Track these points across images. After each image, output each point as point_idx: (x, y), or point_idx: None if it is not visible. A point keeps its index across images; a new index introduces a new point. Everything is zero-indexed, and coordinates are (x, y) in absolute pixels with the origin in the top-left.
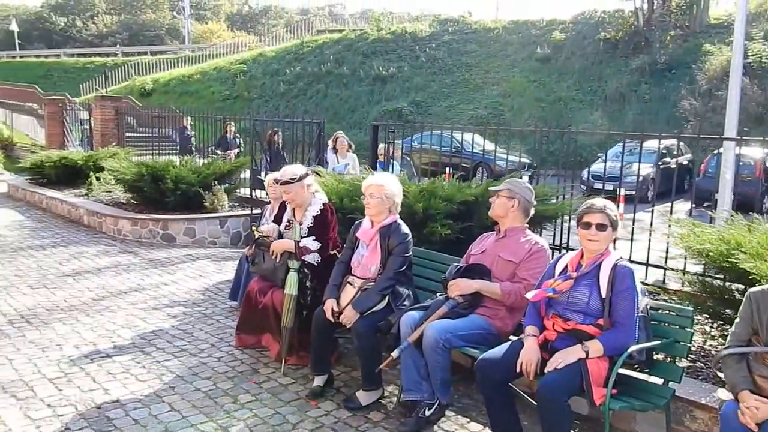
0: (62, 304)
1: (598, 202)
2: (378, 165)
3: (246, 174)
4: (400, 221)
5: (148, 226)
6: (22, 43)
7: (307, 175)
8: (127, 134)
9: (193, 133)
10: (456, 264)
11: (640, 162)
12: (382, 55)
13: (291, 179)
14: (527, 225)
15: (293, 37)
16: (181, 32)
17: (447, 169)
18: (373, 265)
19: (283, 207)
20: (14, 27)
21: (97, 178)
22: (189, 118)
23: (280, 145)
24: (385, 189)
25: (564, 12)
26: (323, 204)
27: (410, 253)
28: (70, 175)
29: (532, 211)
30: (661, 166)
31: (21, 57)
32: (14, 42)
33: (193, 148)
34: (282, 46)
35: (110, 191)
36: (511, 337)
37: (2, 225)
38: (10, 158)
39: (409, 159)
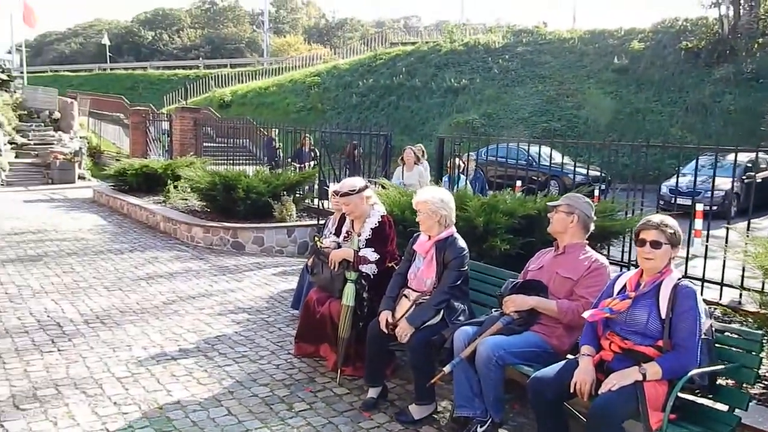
0: (134, 306)
1: (655, 217)
2: (445, 179)
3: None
4: (456, 235)
5: (219, 234)
6: (112, 56)
7: (366, 187)
8: (205, 144)
9: (279, 145)
10: (512, 280)
11: (714, 176)
12: (454, 66)
13: (350, 191)
14: (587, 241)
15: (368, 49)
16: (260, 45)
17: (517, 182)
18: (429, 279)
19: (343, 218)
20: (106, 41)
21: (174, 186)
22: (275, 130)
23: (359, 157)
24: (429, 204)
25: (643, 21)
26: (381, 216)
27: (466, 268)
28: (150, 183)
29: (592, 227)
30: (746, 181)
31: (111, 69)
32: (106, 55)
33: (280, 161)
34: (356, 59)
35: (186, 199)
36: (568, 356)
37: (86, 229)
38: (98, 165)
39: (482, 172)
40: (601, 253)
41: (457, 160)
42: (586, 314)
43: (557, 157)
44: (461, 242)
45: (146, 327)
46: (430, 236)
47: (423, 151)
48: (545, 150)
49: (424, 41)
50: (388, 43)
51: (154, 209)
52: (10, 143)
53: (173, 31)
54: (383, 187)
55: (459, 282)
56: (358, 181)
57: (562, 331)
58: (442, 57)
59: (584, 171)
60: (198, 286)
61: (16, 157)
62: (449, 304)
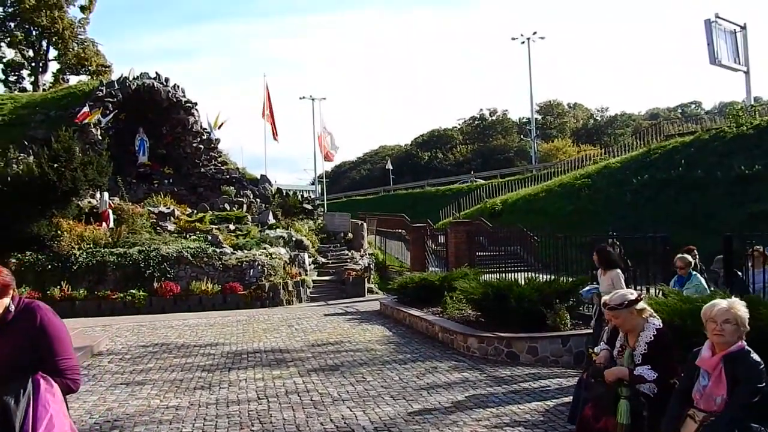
0: (417, 416)
1: None
2: (677, 280)
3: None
4: (748, 348)
5: (493, 344)
6: (395, 177)
7: (638, 300)
8: (478, 253)
9: None
10: None
11: None
12: (743, 152)
13: (618, 305)
14: None
15: (641, 144)
16: (528, 152)
17: None
18: (719, 396)
19: (617, 328)
20: (389, 165)
21: (451, 297)
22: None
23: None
24: (738, 313)
25: None
26: (657, 329)
27: (764, 384)
28: (429, 295)
29: None
30: None
31: (394, 190)
32: (389, 177)
33: None
34: (627, 156)
35: (462, 309)
36: None
37: (374, 340)
38: (384, 279)
39: None
40: None
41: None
42: None
43: None
44: (756, 356)
45: None
46: (714, 351)
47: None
48: None
49: (705, 129)
50: (663, 135)
51: (432, 320)
52: (314, 263)
53: (447, 149)
54: (665, 295)
55: (756, 399)
56: (629, 294)
57: None
58: (727, 144)
59: None
60: (475, 397)
61: (318, 275)
62: (745, 426)
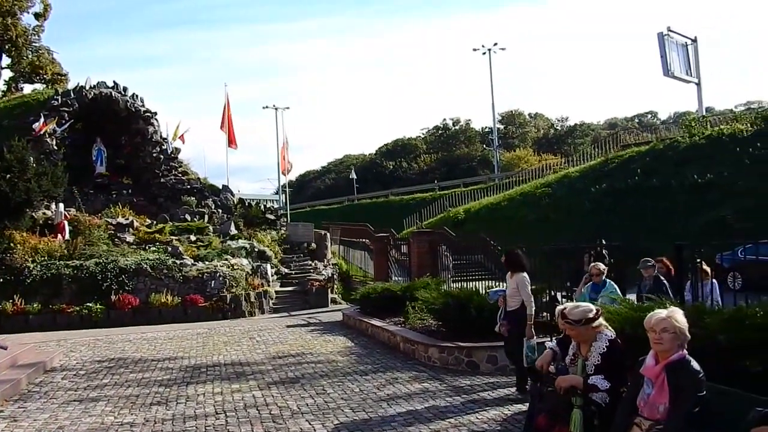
0: (375, 428)
1: None
2: (591, 287)
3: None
4: (689, 357)
5: (454, 354)
6: (359, 187)
7: (597, 316)
8: (441, 262)
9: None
10: (760, 408)
11: None
12: (696, 162)
13: (577, 321)
14: None
15: (600, 153)
16: (491, 162)
17: None
18: (662, 405)
19: (568, 336)
20: (353, 175)
21: (413, 307)
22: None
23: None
24: (676, 322)
25: None
26: (610, 340)
27: (704, 392)
28: (392, 305)
29: None
30: None
31: (358, 200)
32: (353, 187)
33: None
34: (587, 165)
35: (424, 319)
36: None
37: (336, 351)
38: (347, 289)
39: (735, 276)
40: None
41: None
42: None
43: None
44: (695, 364)
45: None
46: (658, 359)
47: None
48: None
49: (660, 139)
50: (620, 145)
51: (394, 330)
52: (276, 274)
53: (411, 159)
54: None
55: (696, 409)
56: (590, 312)
57: None
58: (681, 153)
59: None
60: (434, 407)
61: (281, 285)
62: None
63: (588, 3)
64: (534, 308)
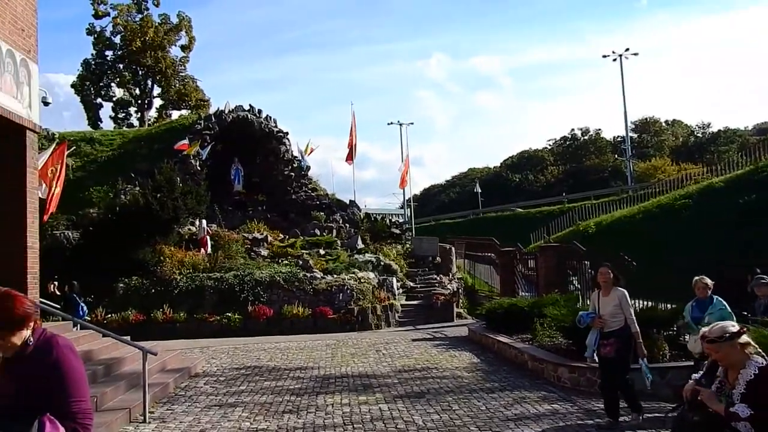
0: None
1: None
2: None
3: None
4: None
5: (585, 375)
6: (484, 200)
7: (740, 333)
8: (571, 278)
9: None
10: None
11: None
12: None
13: (718, 338)
14: None
15: (749, 161)
16: (623, 173)
17: None
18: None
19: (715, 363)
20: (478, 189)
21: (541, 324)
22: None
23: None
24: None
25: None
26: (759, 368)
27: None
28: (519, 321)
29: None
30: None
31: (483, 213)
32: (478, 201)
33: None
34: (732, 174)
35: (552, 337)
36: None
37: (462, 367)
38: (473, 303)
39: None
40: None
41: None
42: None
43: None
44: None
45: None
46: None
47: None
48: None
49: None
50: None
51: (521, 347)
52: (402, 287)
53: (537, 171)
54: None
55: None
56: (730, 326)
57: None
58: None
59: None
60: (564, 430)
61: (407, 299)
62: None
63: (727, 7)
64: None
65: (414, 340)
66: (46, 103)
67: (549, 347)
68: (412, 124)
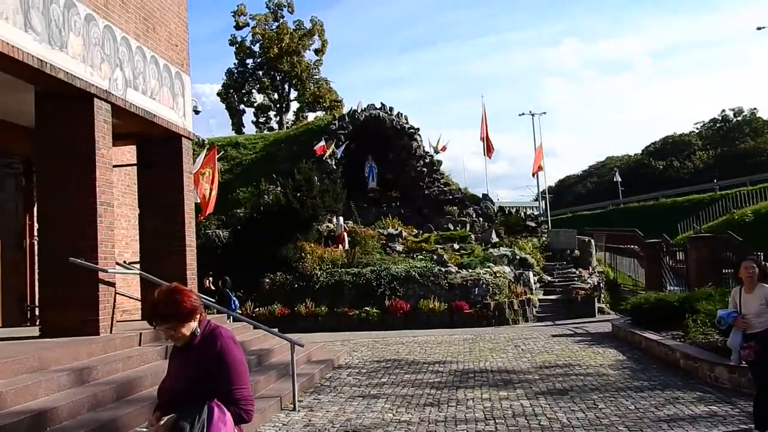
0: None
1: None
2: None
3: None
4: None
5: (746, 375)
6: (624, 190)
7: None
8: (725, 271)
9: None
10: None
11: None
12: None
13: None
14: None
15: None
16: None
17: None
18: None
19: None
20: (617, 178)
21: (693, 320)
22: None
23: None
24: None
25: None
26: None
27: None
28: (668, 317)
29: None
30: None
31: (623, 203)
32: (617, 190)
33: None
34: None
35: (707, 334)
36: None
37: (607, 364)
38: (615, 298)
39: None
40: None
41: None
42: None
43: None
44: None
45: None
46: None
47: None
48: None
49: None
50: None
51: (672, 345)
52: (539, 281)
53: (683, 157)
54: None
55: None
56: None
57: None
58: None
59: None
60: None
61: (544, 294)
62: None
63: None
64: None
65: (554, 335)
66: (196, 112)
67: (703, 345)
68: (544, 113)
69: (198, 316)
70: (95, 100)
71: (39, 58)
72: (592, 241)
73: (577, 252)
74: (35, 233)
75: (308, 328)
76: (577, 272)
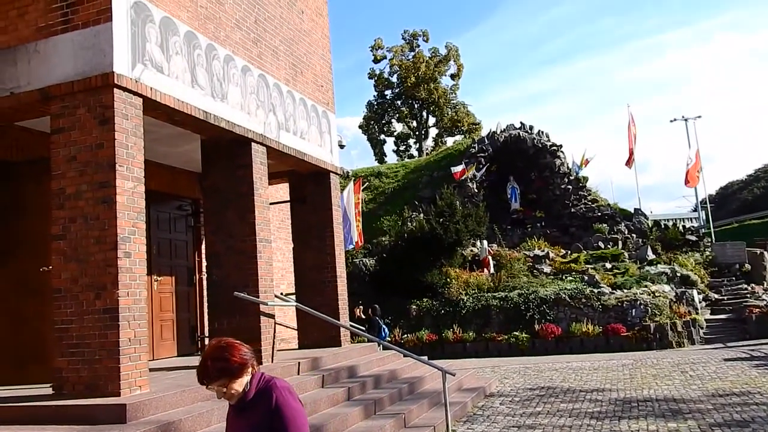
0: None
1: None
2: None
3: None
4: None
5: None
6: None
7: None
8: None
9: None
10: None
11: None
12: None
13: None
14: None
15: None
16: None
17: None
18: None
19: None
20: None
21: None
22: None
23: None
24: None
25: None
26: None
27: None
28: None
29: None
30: None
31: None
32: None
33: None
34: None
35: None
36: None
37: None
38: None
39: None
40: None
41: None
42: None
43: None
44: None
45: None
46: None
47: None
48: None
49: None
50: None
51: None
52: (705, 300)
53: None
54: None
55: None
56: None
57: None
58: None
59: None
60: None
61: (711, 313)
62: None
63: None
64: None
65: (726, 359)
66: (341, 146)
67: None
68: (699, 117)
69: (250, 370)
70: (252, 144)
71: (204, 110)
72: (765, 253)
73: (747, 266)
74: (203, 269)
75: (456, 354)
76: (750, 288)
